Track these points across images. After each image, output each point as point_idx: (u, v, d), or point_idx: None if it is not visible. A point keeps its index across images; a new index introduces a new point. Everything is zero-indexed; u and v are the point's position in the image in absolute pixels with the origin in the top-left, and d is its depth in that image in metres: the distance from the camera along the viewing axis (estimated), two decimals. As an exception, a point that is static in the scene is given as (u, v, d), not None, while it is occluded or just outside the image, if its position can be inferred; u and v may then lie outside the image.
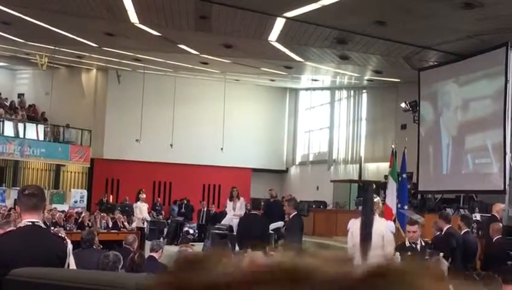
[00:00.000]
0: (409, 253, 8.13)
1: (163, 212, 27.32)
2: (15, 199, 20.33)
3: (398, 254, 8.57)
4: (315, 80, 26.51)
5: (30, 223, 4.26)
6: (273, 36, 17.02)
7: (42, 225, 4.38)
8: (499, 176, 14.93)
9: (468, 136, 16.42)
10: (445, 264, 7.89)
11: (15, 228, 4.97)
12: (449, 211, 14.53)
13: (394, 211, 14.26)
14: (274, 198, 17.56)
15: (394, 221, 13.85)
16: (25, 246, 4.13)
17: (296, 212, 12.32)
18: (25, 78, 31.65)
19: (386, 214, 12.70)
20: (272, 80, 27.70)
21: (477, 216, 14.42)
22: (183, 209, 27.12)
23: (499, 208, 11.64)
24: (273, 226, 16.61)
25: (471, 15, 13.35)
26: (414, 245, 8.39)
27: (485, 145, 15.75)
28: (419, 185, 17.88)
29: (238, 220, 15.80)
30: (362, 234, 7.66)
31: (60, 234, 5.20)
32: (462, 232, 10.11)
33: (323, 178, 26.49)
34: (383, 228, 7.81)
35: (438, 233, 10.59)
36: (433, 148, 17.66)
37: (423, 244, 8.52)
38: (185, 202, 27.38)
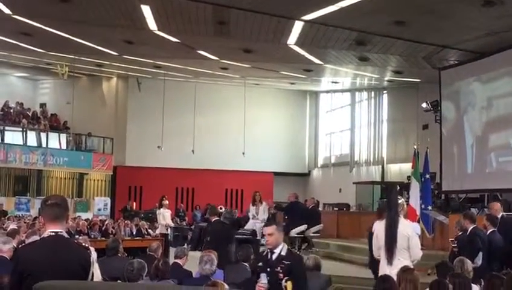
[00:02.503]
0: (260, 264, 6.49)
1: (186, 218, 27.38)
2: (39, 209, 20.52)
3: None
4: (335, 82, 26.44)
5: (53, 233, 4.29)
6: (291, 39, 16.99)
7: (65, 235, 4.41)
8: (523, 174, 14.80)
9: (492, 134, 16.27)
10: (469, 264, 7.80)
11: (39, 238, 5.00)
12: (474, 210, 14.38)
13: (418, 212, 14.19)
14: (295, 200, 17.63)
15: (418, 222, 13.80)
16: (48, 256, 4.16)
17: (216, 218, 12.75)
18: (47, 87, 31.91)
19: (409, 215, 12.59)
20: (292, 83, 27.66)
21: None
22: (206, 215, 27.11)
23: (496, 207, 11.12)
24: (296, 230, 16.62)
25: (491, 13, 13.22)
26: (271, 253, 6.48)
27: (508, 143, 15.60)
28: (443, 185, 17.72)
29: (260, 224, 15.73)
30: (387, 236, 7.57)
31: (83, 244, 5.22)
32: (488, 232, 9.99)
33: (346, 180, 26.43)
34: (408, 229, 7.67)
35: (461, 233, 10.46)
36: (457, 147, 17.50)
37: (282, 253, 6.39)
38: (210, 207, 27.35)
